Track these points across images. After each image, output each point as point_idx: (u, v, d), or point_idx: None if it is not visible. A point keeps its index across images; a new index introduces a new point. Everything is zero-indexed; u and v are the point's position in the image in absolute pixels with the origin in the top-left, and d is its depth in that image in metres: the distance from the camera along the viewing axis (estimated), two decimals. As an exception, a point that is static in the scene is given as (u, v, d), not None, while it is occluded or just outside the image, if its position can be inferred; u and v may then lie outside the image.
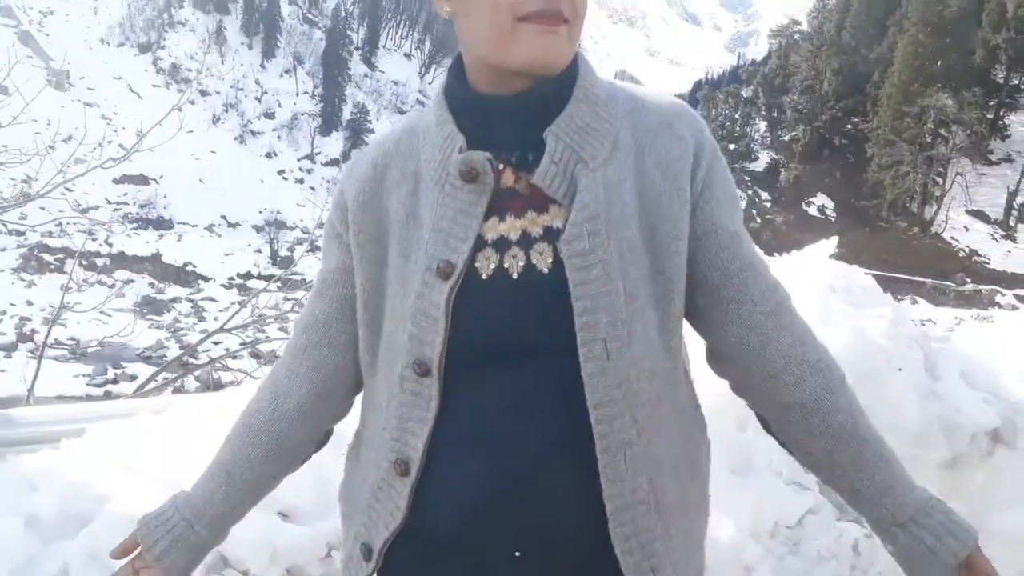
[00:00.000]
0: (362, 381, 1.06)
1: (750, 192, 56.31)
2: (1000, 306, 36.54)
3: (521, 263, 0.90)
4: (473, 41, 0.92)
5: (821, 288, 1.98)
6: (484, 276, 0.90)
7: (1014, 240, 47.65)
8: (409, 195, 0.96)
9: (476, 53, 0.93)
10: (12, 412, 2.06)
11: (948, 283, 40.95)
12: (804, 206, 54.86)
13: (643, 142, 0.93)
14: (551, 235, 0.89)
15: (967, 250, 47.24)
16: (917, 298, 40.57)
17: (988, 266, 44.98)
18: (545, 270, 0.89)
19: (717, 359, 1.01)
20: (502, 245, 0.90)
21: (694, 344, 1.10)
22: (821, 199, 55.17)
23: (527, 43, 0.87)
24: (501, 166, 0.91)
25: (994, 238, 48.37)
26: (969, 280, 41.74)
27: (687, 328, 1.02)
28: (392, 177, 0.98)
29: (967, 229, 49.12)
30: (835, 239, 2.18)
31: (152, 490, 1.69)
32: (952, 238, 48.38)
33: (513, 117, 0.92)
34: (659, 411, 0.93)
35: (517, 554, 0.92)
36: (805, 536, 1.69)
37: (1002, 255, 46.09)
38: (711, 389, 1.46)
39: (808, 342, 0.98)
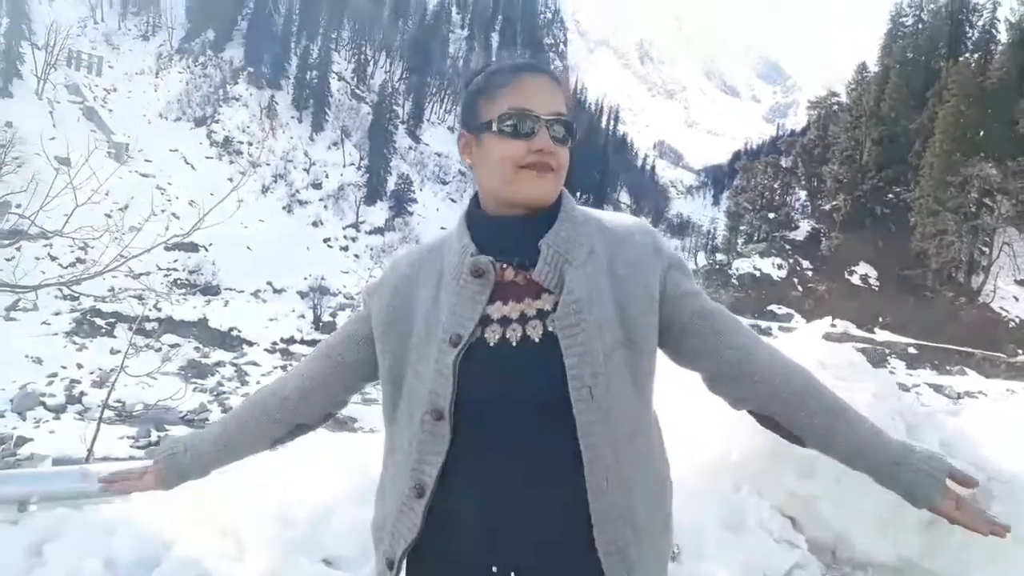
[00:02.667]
0: (341, 403, 1.43)
1: (791, 261, 55.92)
2: (1055, 379, 35.42)
3: (519, 334, 1.22)
4: (486, 182, 1.28)
5: (812, 364, 2.15)
6: (491, 344, 1.22)
7: (1066, 311, 46.47)
8: (434, 287, 1.30)
9: (488, 189, 1.29)
10: (88, 467, 2.29)
11: (999, 354, 39.88)
12: (847, 275, 54.25)
13: (613, 249, 1.28)
14: (542, 315, 1.22)
15: (1017, 320, 46.05)
16: (967, 369, 39.48)
17: (1041, 337, 43.79)
18: (537, 339, 1.21)
19: (719, 381, 1.31)
20: (505, 322, 1.23)
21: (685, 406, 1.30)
22: (864, 268, 54.54)
23: (526, 185, 1.23)
24: (505, 266, 1.25)
25: (1046, 309, 47.20)
26: (1020, 351, 40.59)
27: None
28: (423, 275, 1.33)
29: (1016, 299, 47.98)
30: (828, 319, 2.36)
31: (212, 537, 1.90)
32: (1001, 308, 47.25)
33: (515, 232, 1.27)
34: (632, 447, 1.21)
35: (513, 573, 1.19)
36: (793, 589, 1.84)
37: (1055, 326, 44.90)
38: (707, 455, 1.66)
39: (781, 353, 1.32)
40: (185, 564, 1.70)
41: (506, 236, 1.27)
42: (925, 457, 1.23)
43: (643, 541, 1.21)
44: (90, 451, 4.24)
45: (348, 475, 1.68)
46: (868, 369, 2.29)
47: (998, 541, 2.11)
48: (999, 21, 63.44)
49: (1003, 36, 61.91)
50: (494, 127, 1.24)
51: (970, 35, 64.87)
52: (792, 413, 1.27)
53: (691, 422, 1.39)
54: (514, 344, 1.21)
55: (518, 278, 1.25)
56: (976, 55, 59.63)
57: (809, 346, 2.25)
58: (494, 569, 1.21)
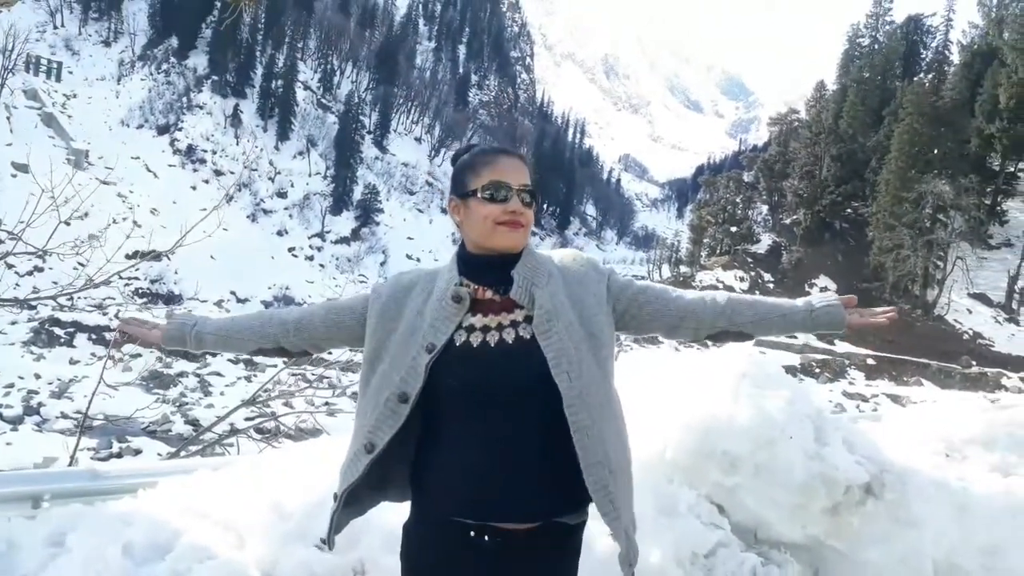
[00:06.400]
0: (317, 348, 1.85)
1: (753, 273, 56.90)
2: (1007, 389, 36.38)
3: (496, 338, 1.60)
4: (472, 234, 1.68)
5: (735, 374, 2.51)
6: (474, 346, 1.60)
7: (1017, 323, 47.72)
8: (423, 302, 1.68)
9: (472, 240, 1.68)
10: (97, 468, 2.51)
11: (953, 366, 40.72)
12: (807, 287, 55.24)
13: (564, 273, 1.71)
14: (514, 325, 1.62)
15: (971, 333, 47.21)
16: (923, 380, 40.35)
17: (993, 349, 44.88)
18: (510, 342, 1.60)
19: (676, 327, 1.76)
20: (485, 330, 1.61)
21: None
22: (823, 280, 55.62)
23: (502, 237, 1.64)
24: (484, 289, 1.66)
25: (997, 321, 48.42)
26: (974, 363, 41.58)
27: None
28: (416, 290, 1.72)
29: (970, 312, 49.20)
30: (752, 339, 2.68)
31: (214, 529, 2.14)
32: (955, 321, 48.41)
33: (493, 267, 1.68)
34: (603, 412, 1.60)
35: (487, 537, 1.56)
36: (716, 563, 2.16)
37: (1006, 338, 46.06)
38: (644, 453, 1.98)
39: (695, 291, 1.84)
40: (194, 550, 1.95)
41: (486, 268, 1.68)
42: (822, 299, 1.76)
43: (617, 479, 1.60)
44: (73, 458, 4.42)
45: (335, 472, 1.95)
46: (783, 378, 2.66)
47: (890, 523, 2.43)
48: (952, 43, 65.47)
49: (955, 57, 63.88)
50: (478, 194, 1.65)
51: (924, 56, 66.77)
52: (732, 318, 1.75)
53: (631, 427, 1.73)
54: (492, 345, 1.60)
55: (495, 297, 1.66)
56: (930, 75, 61.38)
57: (732, 358, 2.60)
58: (471, 534, 1.56)
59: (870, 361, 42.76)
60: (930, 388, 39.22)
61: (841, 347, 43.51)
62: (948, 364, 41.12)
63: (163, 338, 1.84)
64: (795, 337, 42.45)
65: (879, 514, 2.40)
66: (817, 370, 38.02)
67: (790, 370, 35.12)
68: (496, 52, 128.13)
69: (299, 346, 1.83)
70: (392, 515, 1.71)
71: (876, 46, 67.67)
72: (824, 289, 56.37)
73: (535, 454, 1.56)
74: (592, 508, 1.66)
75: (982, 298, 50.28)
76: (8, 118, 60.64)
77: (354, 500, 1.70)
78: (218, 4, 76.62)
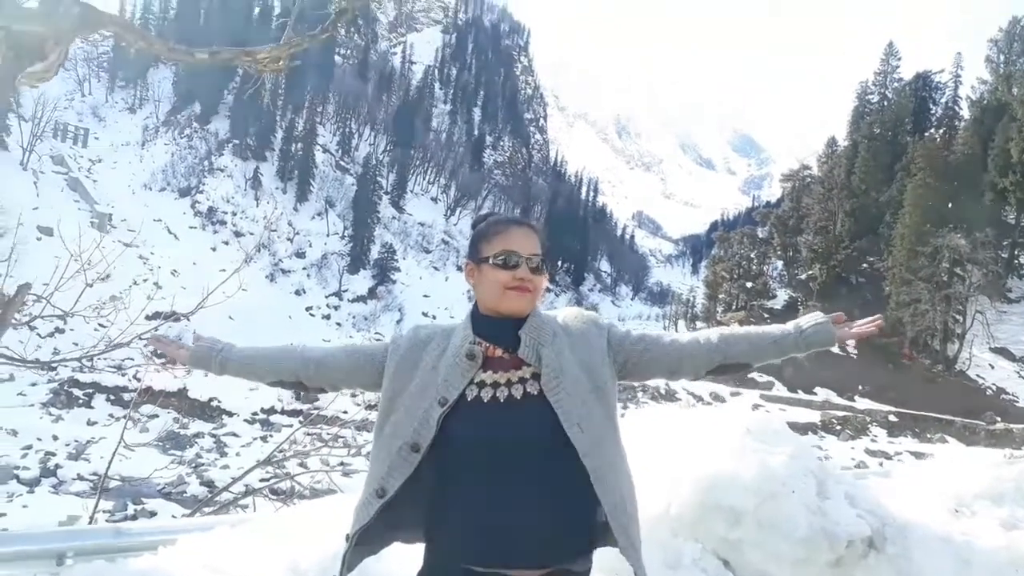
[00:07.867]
0: (333, 387, 1.96)
1: (769, 329, 56.54)
2: (1033, 445, 35.64)
3: (505, 394, 1.71)
4: (484, 297, 1.80)
5: (739, 430, 2.57)
6: (485, 401, 1.71)
7: (1040, 378, 47.05)
8: (438, 357, 1.79)
9: (484, 301, 1.81)
10: (120, 526, 2.58)
11: (978, 422, 39.99)
12: (825, 343, 54.71)
13: (568, 330, 1.83)
14: (522, 381, 1.72)
15: (994, 388, 46.41)
16: (947, 437, 39.58)
17: (1018, 404, 44.08)
18: (519, 398, 1.70)
19: (675, 369, 1.86)
20: (495, 386, 1.72)
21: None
22: (841, 336, 55.10)
23: (510, 301, 1.76)
24: (496, 348, 1.76)
25: (1021, 376, 47.65)
26: (999, 419, 40.81)
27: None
28: (432, 345, 1.83)
29: (992, 367, 48.45)
30: (756, 393, 2.72)
31: (232, 585, 2.19)
32: (978, 376, 47.65)
33: (502, 328, 1.79)
34: (615, 461, 1.72)
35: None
36: (721, 616, 2.17)
37: (1030, 393, 45.37)
38: (650, 510, 2.04)
39: (687, 333, 1.90)
40: (213, 606, 2.01)
41: (496, 328, 1.79)
42: (810, 319, 1.85)
43: (632, 522, 1.72)
44: (92, 519, 4.47)
45: (347, 529, 2.02)
46: (788, 434, 2.71)
47: (891, 577, 2.44)
48: (961, 99, 66.09)
49: (965, 113, 64.40)
50: (490, 261, 1.78)
51: (934, 112, 67.36)
52: (727, 352, 1.83)
53: (637, 482, 1.81)
54: (502, 401, 1.71)
55: (504, 355, 1.76)
56: (941, 131, 61.81)
57: (738, 415, 2.67)
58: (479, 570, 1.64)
59: (892, 418, 42.04)
60: (955, 445, 38.35)
61: (862, 403, 42.87)
62: (972, 420, 40.37)
63: (190, 358, 1.96)
64: (815, 393, 41.98)
65: (881, 568, 2.43)
66: (838, 427, 37.43)
67: (810, 427, 34.60)
68: (510, 114, 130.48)
69: (317, 383, 1.94)
70: (403, 567, 1.76)
71: (885, 103, 68.39)
72: (844, 345, 56.17)
73: (543, 503, 1.64)
74: (596, 556, 1.76)
75: (1004, 352, 49.61)
76: (35, 183, 62.13)
77: (366, 540, 1.79)
78: (240, 72, 78.76)
